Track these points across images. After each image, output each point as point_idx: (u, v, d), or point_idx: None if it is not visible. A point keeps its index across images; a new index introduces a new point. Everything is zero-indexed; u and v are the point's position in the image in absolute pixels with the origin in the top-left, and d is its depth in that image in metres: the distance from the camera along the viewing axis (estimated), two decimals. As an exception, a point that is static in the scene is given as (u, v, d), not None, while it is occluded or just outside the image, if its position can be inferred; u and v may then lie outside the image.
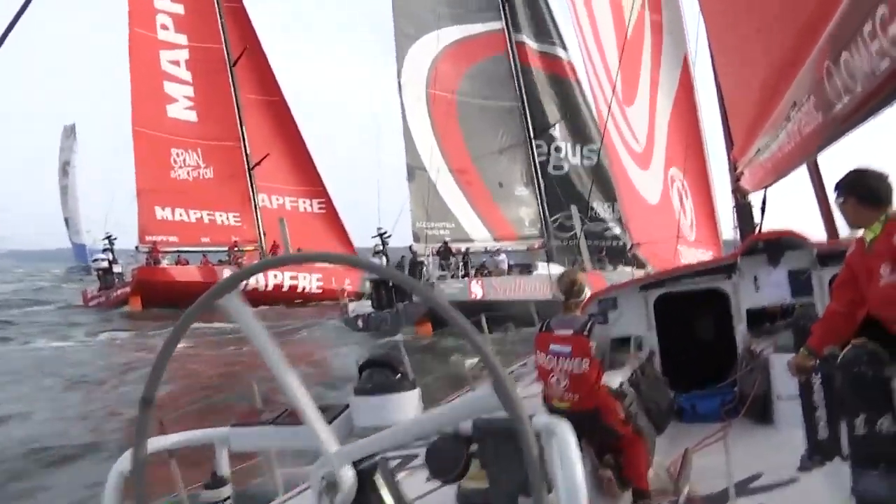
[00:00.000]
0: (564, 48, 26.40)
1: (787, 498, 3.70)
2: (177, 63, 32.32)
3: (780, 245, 5.62)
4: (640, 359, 5.49)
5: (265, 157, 32.39)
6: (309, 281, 32.19)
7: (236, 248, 30.89)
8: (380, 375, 1.25)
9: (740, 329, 5.73)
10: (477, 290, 20.90)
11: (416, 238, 23.94)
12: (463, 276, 21.93)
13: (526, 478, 0.94)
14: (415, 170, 23.99)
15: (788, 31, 3.51)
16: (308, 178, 34.93)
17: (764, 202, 6.25)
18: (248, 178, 33.03)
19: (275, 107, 34.19)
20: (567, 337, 3.87)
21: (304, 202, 34.90)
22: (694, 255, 10.14)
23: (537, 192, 25.74)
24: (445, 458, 1.17)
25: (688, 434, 4.93)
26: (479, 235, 24.79)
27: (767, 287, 5.63)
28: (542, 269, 21.71)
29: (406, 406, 1.21)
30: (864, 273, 2.83)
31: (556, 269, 21.95)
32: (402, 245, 24.54)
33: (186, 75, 32.50)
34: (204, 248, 31.75)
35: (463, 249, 23.72)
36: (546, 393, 3.98)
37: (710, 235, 10.42)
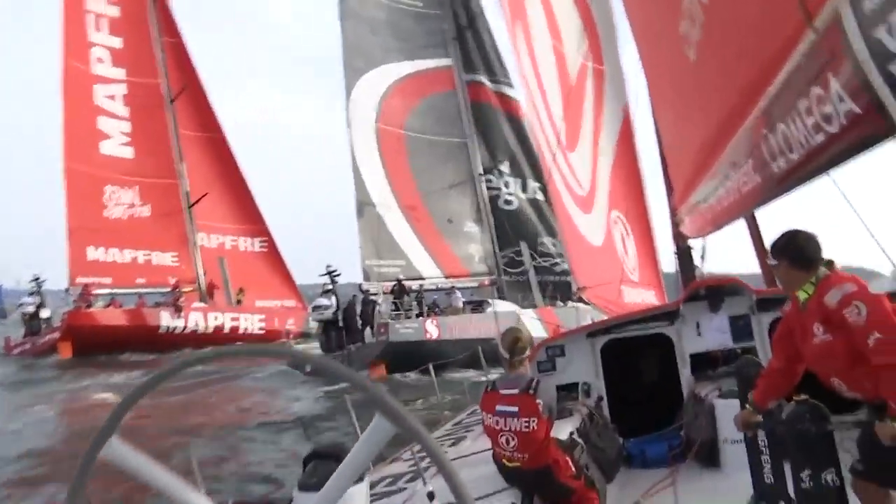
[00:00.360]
0: (511, 86, 26.96)
1: None
2: (112, 98, 31.27)
3: (720, 291, 5.86)
4: (589, 406, 5.58)
5: (205, 195, 31.56)
6: (251, 322, 31.44)
7: (177, 290, 29.69)
8: (325, 468, 1.22)
9: (685, 373, 5.90)
10: (432, 329, 20.44)
11: (367, 276, 23.61)
12: (417, 315, 21.44)
13: None
14: (364, 206, 23.77)
15: (728, 93, 3.73)
16: (249, 216, 34.25)
17: (703, 249, 6.54)
18: (187, 217, 32.05)
19: (215, 144, 33.50)
20: (513, 397, 3.84)
21: (245, 241, 34.15)
22: (638, 295, 10.43)
23: (487, 227, 25.74)
24: None
25: (637, 481, 5.02)
26: (429, 273, 24.54)
27: (709, 332, 5.85)
28: (497, 306, 21.45)
29: (351, 500, 1.19)
30: (800, 330, 2.98)
31: (507, 307, 21.77)
32: (352, 282, 23.99)
33: (123, 110, 31.45)
34: (140, 290, 30.44)
35: (416, 287, 23.33)
36: (496, 451, 3.98)
37: (652, 276, 10.78)
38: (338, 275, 22.02)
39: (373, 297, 22.06)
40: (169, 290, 29.96)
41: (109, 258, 29.75)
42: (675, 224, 6.89)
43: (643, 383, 6.29)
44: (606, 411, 6.00)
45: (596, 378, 6.07)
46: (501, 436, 3.85)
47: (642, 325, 6.00)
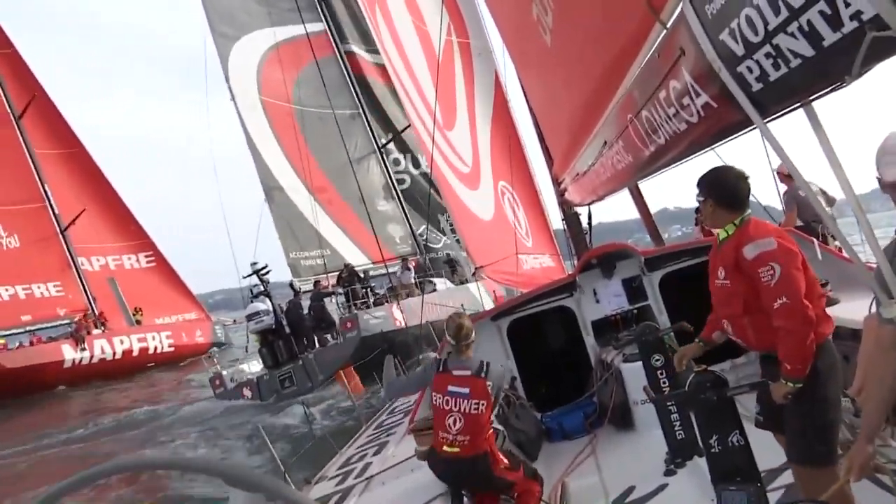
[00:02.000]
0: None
1: None
2: None
3: (611, 258, 6.20)
4: (504, 389, 5.82)
5: (80, 214, 29.31)
6: (158, 340, 30.11)
7: (85, 316, 27.89)
8: None
9: (589, 341, 6.18)
10: (399, 315, 18.28)
11: (294, 271, 21.26)
12: (375, 303, 19.12)
13: None
14: (272, 190, 21.52)
15: (587, 78, 3.92)
16: (129, 231, 32.35)
17: (590, 216, 6.91)
18: (63, 242, 29.77)
19: (76, 159, 31.13)
20: (465, 378, 3.97)
21: (130, 258, 32.36)
22: (535, 260, 10.85)
23: (399, 205, 24.80)
24: None
25: (559, 454, 5.19)
26: (356, 260, 22.51)
27: (606, 298, 6.15)
28: (440, 284, 20.29)
29: None
30: (711, 267, 3.07)
31: (447, 284, 20.81)
32: (279, 281, 21.08)
33: None
34: (28, 328, 28.05)
35: (362, 273, 21.14)
36: (436, 438, 4.02)
37: (546, 240, 11.24)
38: (267, 272, 18.96)
39: (326, 290, 19.26)
40: (66, 322, 28.06)
41: None
42: (560, 193, 7.21)
43: (552, 357, 6.62)
44: (521, 390, 6.26)
45: (507, 359, 6.25)
46: (449, 416, 3.92)
47: (543, 300, 6.30)
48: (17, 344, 27.31)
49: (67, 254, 29.96)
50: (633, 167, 4.03)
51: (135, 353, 28.79)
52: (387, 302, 19.10)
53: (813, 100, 2.23)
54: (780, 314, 2.70)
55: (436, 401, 3.99)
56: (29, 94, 29.95)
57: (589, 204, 6.45)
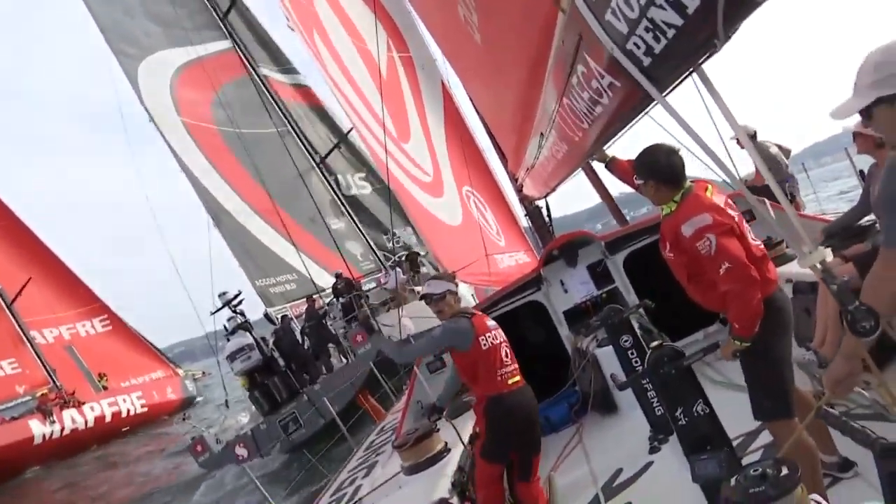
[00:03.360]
0: (297, 72, 26.00)
1: (649, 487, 4.19)
2: None
3: (571, 246, 6.43)
4: None
5: (27, 284, 28.90)
6: (129, 402, 29.81)
7: (53, 392, 27.37)
8: None
9: (564, 332, 6.44)
10: (409, 325, 15.82)
11: (267, 300, 19.81)
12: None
13: None
14: (218, 214, 20.28)
15: (517, 70, 4.12)
16: (79, 297, 32.03)
17: (548, 208, 7.11)
18: (12, 316, 29.28)
19: (10, 231, 30.74)
20: (484, 314, 4.40)
21: (84, 325, 31.94)
22: (510, 258, 11.06)
23: (351, 220, 24.43)
24: None
25: (547, 448, 5.46)
26: (326, 282, 21.27)
27: (574, 286, 6.41)
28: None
29: None
30: (661, 242, 3.28)
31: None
32: (252, 315, 18.55)
33: None
34: None
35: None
36: (493, 384, 4.12)
37: (517, 237, 11.48)
38: (240, 301, 16.74)
39: (323, 308, 17.39)
40: (28, 398, 27.48)
41: None
42: (518, 189, 7.42)
43: (531, 352, 6.80)
44: None
45: None
46: (503, 348, 4.20)
47: (512, 298, 6.48)
48: None
49: (18, 328, 29.41)
50: (570, 155, 4.24)
51: (107, 419, 28.51)
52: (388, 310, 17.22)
53: (697, 66, 2.40)
54: (725, 279, 2.90)
55: (485, 344, 4.11)
56: None
57: (545, 196, 6.65)
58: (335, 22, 10.80)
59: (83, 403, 27.94)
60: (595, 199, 7.37)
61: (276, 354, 16.17)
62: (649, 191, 3.23)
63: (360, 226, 24.40)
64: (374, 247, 24.24)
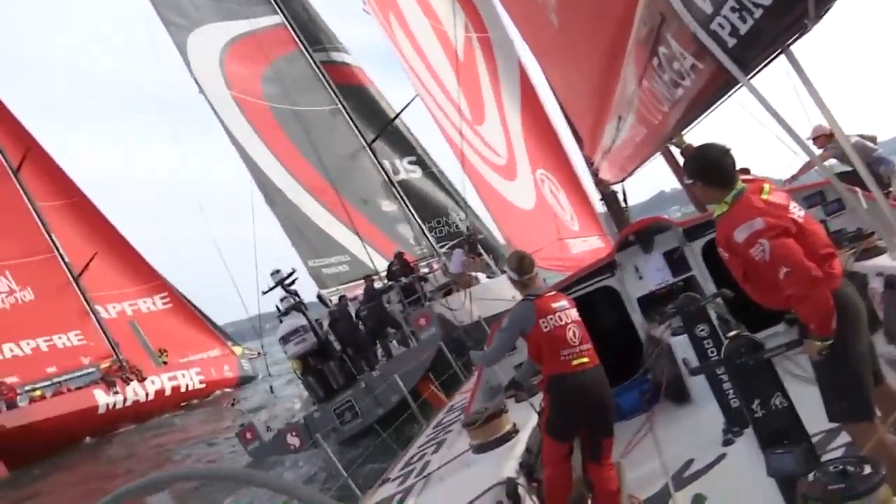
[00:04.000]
0: (347, 52, 25.74)
1: (721, 479, 4.16)
2: None
3: (647, 232, 6.37)
4: None
5: (93, 259, 30.48)
6: (189, 377, 31.14)
7: (117, 366, 28.94)
8: None
9: (637, 319, 6.41)
10: (472, 307, 15.52)
11: (320, 282, 19.00)
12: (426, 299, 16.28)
13: None
14: (271, 192, 19.80)
15: (594, 54, 4.14)
16: (141, 275, 33.50)
17: (624, 193, 7.05)
18: (78, 290, 30.86)
19: (78, 209, 32.51)
20: (556, 294, 4.34)
21: (146, 302, 33.40)
22: (584, 243, 11.01)
23: (403, 204, 23.69)
24: None
25: (616, 432, 5.50)
26: (380, 266, 20.21)
27: (649, 273, 6.37)
28: (481, 276, 17.80)
29: None
30: (716, 241, 3.25)
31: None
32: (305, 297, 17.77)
33: None
34: (54, 379, 28.89)
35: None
36: (557, 365, 4.18)
37: (592, 222, 11.39)
38: (294, 280, 16.03)
39: (380, 286, 16.64)
40: (91, 370, 29.13)
41: (7, 354, 28.31)
42: (594, 173, 7.39)
43: (602, 338, 6.78)
44: None
45: None
46: (569, 330, 4.20)
47: (585, 283, 6.49)
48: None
49: (84, 301, 31.05)
50: (649, 138, 4.24)
51: (167, 393, 29.84)
52: (447, 295, 16.26)
53: (786, 47, 2.37)
54: (787, 283, 2.87)
55: (545, 326, 4.17)
56: (23, 147, 31.34)
57: (622, 180, 6.60)
58: (412, 3, 10.88)
59: (145, 378, 29.49)
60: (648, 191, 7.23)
61: (332, 338, 15.48)
62: (698, 191, 3.24)
63: (411, 210, 23.79)
64: (425, 231, 23.57)
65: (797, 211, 3.02)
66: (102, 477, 19.56)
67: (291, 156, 21.21)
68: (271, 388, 17.12)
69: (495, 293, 15.80)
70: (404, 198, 23.67)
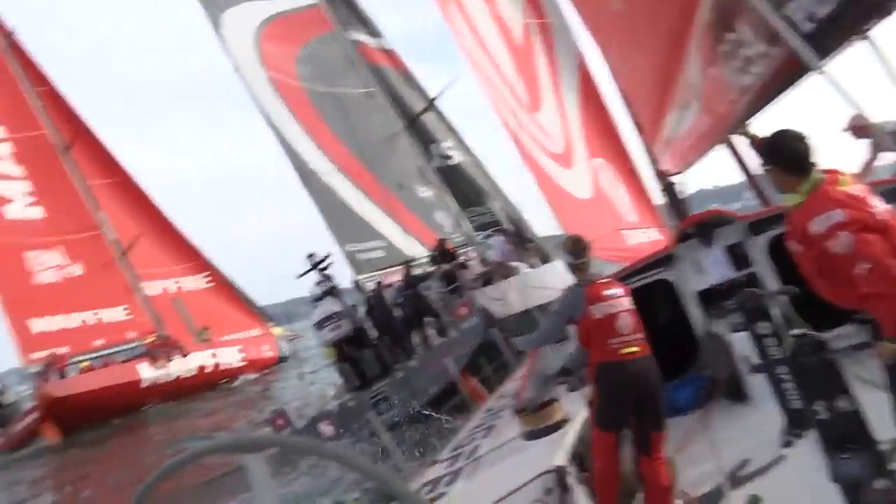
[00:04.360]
0: (383, 36, 25.56)
1: (778, 481, 4.11)
2: (2, 158, 31.60)
3: (708, 225, 6.24)
4: None
5: (138, 237, 31.94)
6: (230, 355, 32.49)
7: (161, 340, 30.38)
8: None
9: (694, 314, 6.33)
10: (513, 297, 15.01)
11: (355, 266, 18.92)
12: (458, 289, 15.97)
13: None
14: (307, 175, 19.86)
15: (657, 40, 4.10)
16: (184, 254, 35.06)
17: (683, 185, 6.92)
18: (124, 265, 32.40)
19: (123, 188, 34.20)
20: (609, 281, 4.37)
21: (189, 280, 34.90)
22: (643, 234, 10.91)
23: (440, 190, 22.65)
24: None
25: (669, 428, 5.47)
26: (416, 252, 20.23)
27: (709, 267, 6.26)
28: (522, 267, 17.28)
29: None
30: (788, 234, 3.21)
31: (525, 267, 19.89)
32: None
33: (17, 170, 31.72)
34: (101, 352, 30.61)
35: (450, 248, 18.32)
36: (604, 353, 4.23)
37: (650, 213, 11.25)
38: (329, 264, 15.92)
39: (419, 273, 16.52)
40: (135, 344, 30.71)
41: (56, 326, 29.96)
42: (654, 162, 7.31)
43: (656, 332, 6.72)
44: None
45: None
46: (620, 318, 4.23)
47: (640, 275, 6.41)
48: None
49: (129, 278, 32.53)
50: (713, 128, 4.19)
51: (209, 370, 31.06)
52: (487, 284, 15.80)
53: (864, 32, 2.33)
54: (864, 281, 2.80)
55: (595, 313, 4.21)
56: (72, 126, 32.99)
57: (683, 171, 6.51)
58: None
59: (188, 354, 30.77)
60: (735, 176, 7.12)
61: (368, 325, 15.33)
62: (773, 177, 3.19)
63: (448, 196, 24.29)
64: (461, 218, 23.95)
65: (879, 205, 2.94)
66: (149, 446, 20.73)
67: (326, 138, 21.20)
68: (303, 374, 17.27)
69: (537, 283, 15.55)
70: (441, 184, 23.84)
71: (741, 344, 5.27)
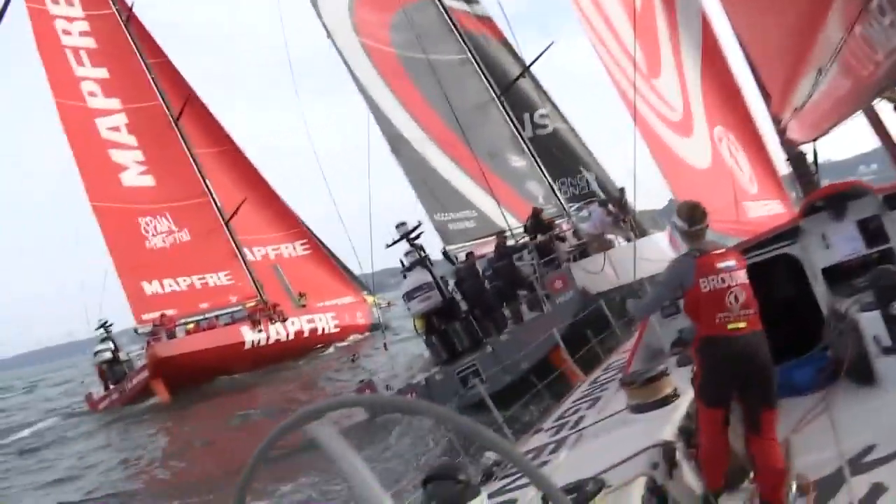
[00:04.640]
0: (478, 2, 25.76)
1: None
2: (117, 129, 33.84)
3: (840, 198, 6.10)
4: None
5: (242, 203, 33.86)
6: (325, 321, 34.41)
7: (263, 305, 32.57)
8: (442, 489, 1.51)
9: (820, 290, 6.21)
10: (610, 270, 14.99)
11: (445, 237, 18.89)
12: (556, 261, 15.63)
13: None
14: (397, 142, 19.91)
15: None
16: (284, 221, 37.11)
17: (815, 154, 6.75)
18: (228, 233, 34.57)
19: (229, 156, 36.35)
20: (725, 253, 4.29)
21: (287, 247, 37.00)
22: (763, 207, 10.68)
23: (533, 159, 23.58)
24: None
25: (786, 410, 5.21)
26: (508, 223, 19.40)
27: (838, 242, 6.12)
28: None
29: None
30: None
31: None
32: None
33: (130, 139, 34.06)
34: (206, 315, 33.02)
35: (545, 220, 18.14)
36: (710, 328, 4.21)
37: (773, 185, 10.93)
38: (420, 234, 15.89)
39: (512, 244, 16.30)
40: (237, 308, 32.93)
41: (167, 289, 32.23)
42: (781, 131, 7.15)
43: (777, 308, 6.64)
44: None
45: None
46: (729, 294, 4.15)
47: (763, 248, 6.32)
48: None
49: (233, 244, 34.62)
50: (854, 93, 4.11)
51: (305, 334, 33.14)
52: (582, 257, 15.64)
53: None
54: None
55: (705, 286, 4.18)
56: (182, 97, 35.04)
57: (814, 140, 6.36)
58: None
59: (286, 319, 32.81)
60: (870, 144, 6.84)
61: (458, 297, 15.28)
62: None
63: (541, 166, 23.63)
64: (555, 189, 23.36)
65: None
66: (252, 406, 21.94)
67: (418, 105, 21.30)
68: (385, 345, 17.57)
69: (637, 256, 14.88)
70: (534, 153, 23.48)
71: (871, 324, 5.15)
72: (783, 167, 9.48)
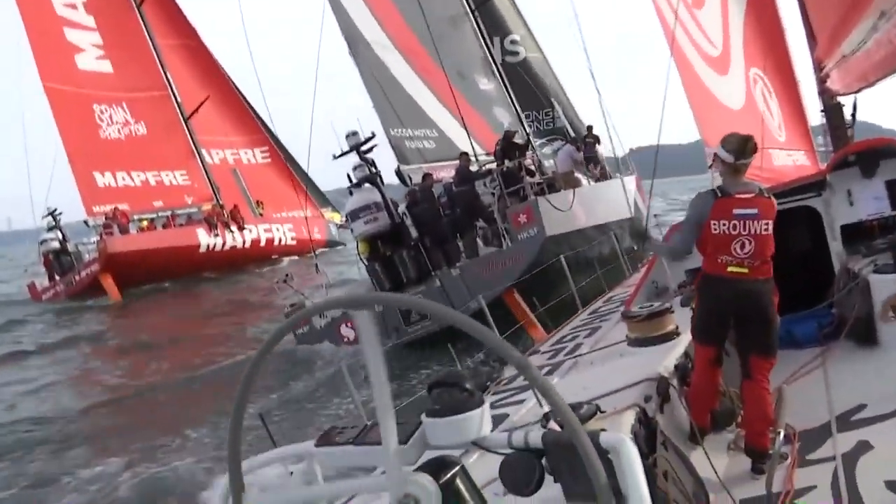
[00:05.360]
0: None
1: (893, 433, 4.09)
2: (73, 6, 33.25)
3: (874, 155, 6.35)
4: None
5: (205, 101, 33.95)
6: (282, 232, 35.65)
7: (218, 208, 33.32)
8: (447, 395, 1.59)
9: (835, 247, 6.52)
10: (579, 210, 14.98)
11: (401, 156, 18.33)
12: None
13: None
14: (355, 42, 18.99)
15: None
16: (246, 126, 37.48)
17: (854, 108, 6.97)
18: (187, 130, 34.82)
19: (193, 51, 36.21)
20: (751, 199, 4.35)
21: (247, 153, 37.80)
22: (788, 157, 10.97)
23: (502, 84, 23.34)
24: (519, 473, 1.49)
25: (784, 360, 5.20)
26: (473, 148, 18.66)
27: (863, 200, 6.41)
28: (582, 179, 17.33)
29: (473, 424, 1.56)
30: None
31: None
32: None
33: (88, 20, 33.56)
34: (159, 213, 33.49)
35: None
36: (713, 266, 4.40)
37: (801, 136, 11.22)
38: (373, 146, 15.27)
39: (476, 169, 15.97)
40: (194, 210, 33.78)
41: (120, 183, 32.48)
42: (821, 80, 7.37)
43: (791, 259, 7.01)
44: None
45: None
46: (736, 241, 4.31)
47: (786, 198, 6.44)
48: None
49: (191, 143, 35.06)
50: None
51: (262, 244, 34.36)
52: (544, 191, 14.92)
53: None
54: None
55: (716, 229, 4.37)
56: None
57: (856, 91, 6.62)
58: None
59: (244, 227, 33.70)
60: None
61: (409, 222, 14.71)
62: None
63: (510, 93, 23.33)
64: (522, 120, 23.16)
65: None
66: (200, 309, 23.26)
67: (384, 7, 20.49)
68: (316, 266, 16.95)
69: (603, 198, 15.77)
70: (504, 78, 23.15)
71: (884, 286, 5.43)
72: (814, 118, 9.73)
